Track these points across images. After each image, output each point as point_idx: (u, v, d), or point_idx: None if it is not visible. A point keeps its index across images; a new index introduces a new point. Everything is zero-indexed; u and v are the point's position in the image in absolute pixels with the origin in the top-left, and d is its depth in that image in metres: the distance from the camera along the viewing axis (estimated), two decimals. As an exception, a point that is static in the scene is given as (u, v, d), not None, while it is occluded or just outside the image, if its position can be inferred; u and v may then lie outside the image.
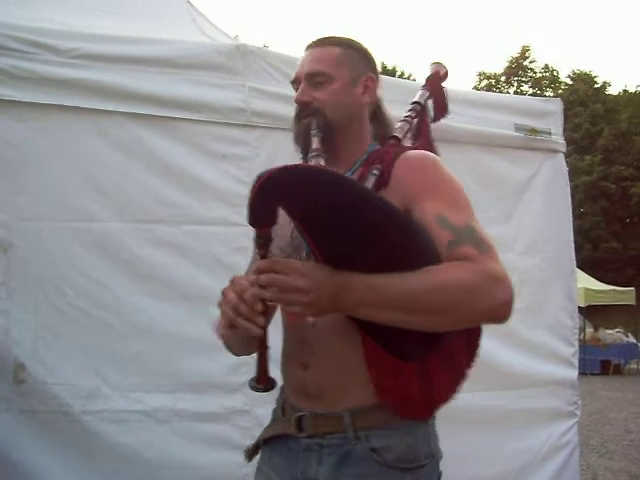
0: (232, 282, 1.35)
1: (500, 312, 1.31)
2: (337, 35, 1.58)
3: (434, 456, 1.49)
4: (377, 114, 1.62)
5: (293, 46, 65.52)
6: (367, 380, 1.41)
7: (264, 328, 1.32)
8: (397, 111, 2.89)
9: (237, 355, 1.66)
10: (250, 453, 1.60)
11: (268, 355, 1.37)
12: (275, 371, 1.46)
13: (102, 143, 2.51)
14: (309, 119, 1.47)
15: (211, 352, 2.21)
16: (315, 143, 1.46)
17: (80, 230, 2.47)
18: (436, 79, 1.68)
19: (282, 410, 1.56)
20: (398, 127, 1.62)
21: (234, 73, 2.61)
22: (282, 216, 1.33)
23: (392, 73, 31.03)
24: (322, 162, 1.43)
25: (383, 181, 1.44)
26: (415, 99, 1.66)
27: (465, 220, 1.37)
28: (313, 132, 1.47)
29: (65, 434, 2.40)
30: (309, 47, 1.57)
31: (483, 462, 3.00)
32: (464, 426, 2.96)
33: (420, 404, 1.44)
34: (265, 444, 1.58)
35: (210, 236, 2.59)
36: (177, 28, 3.05)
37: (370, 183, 1.43)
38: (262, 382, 1.37)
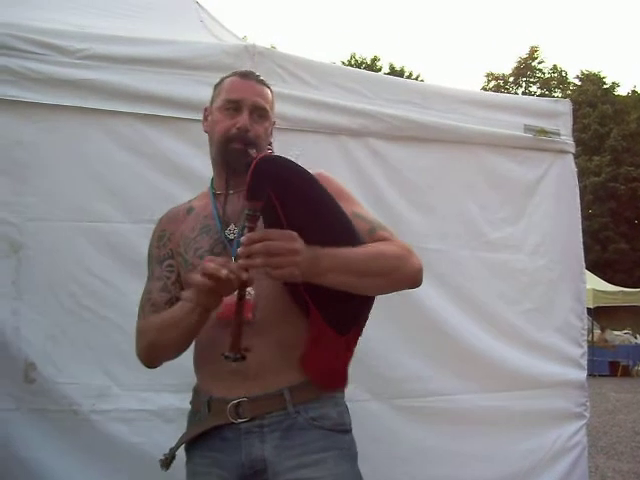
0: (209, 260, 1.48)
1: (419, 276, 1.65)
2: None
3: (351, 424, 1.72)
4: None
5: (301, 47, 65.58)
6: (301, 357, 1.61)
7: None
8: (403, 111, 2.93)
9: (153, 363, 1.77)
10: (168, 462, 1.70)
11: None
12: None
13: (112, 144, 2.52)
14: (245, 147, 1.66)
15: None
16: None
17: (90, 230, 2.49)
18: None
19: (208, 408, 1.65)
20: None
21: (243, 74, 2.61)
22: (193, 230, 1.71)
23: (400, 74, 31.06)
24: None
25: None
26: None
27: (371, 214, 1.74)
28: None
29: (75, 433, 2.41)
30: (248, 77, 1.77)
31: (491, 463, 3.00)
32: (472, 427, 2.96)
33: (343, 376, 1.69)
34: (191, 446, 1.69)
35: (219, 236, 2.60)
36: (186, 29, 3.05)
37: None
38: (238, 350, 1.46)
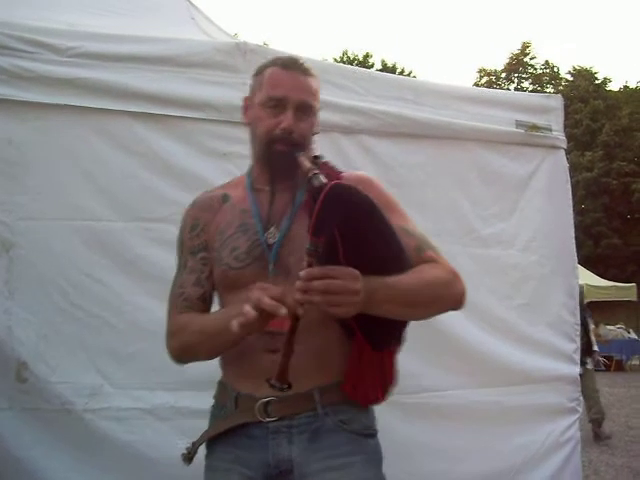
0: (262, 289, 1.41)
1: (463, 299, 1.64)
2: (308, 62, 1.67)
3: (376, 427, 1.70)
4: None
5: (292, 44, 65.52)
6: (337, 364, 1.59)
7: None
8: (395, 108, 2.93)
9: (183, 362, 1.73)
10: (191, 456, 1.66)
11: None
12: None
13: (103, 142, 2.52)
14: (290, 149, 1.57)
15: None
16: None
17: (82, 229, 2.48)
18: None
19: (235, 404, 1.62)
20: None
21: (234, 71, 2.61)
22: (230, 226, 1.63)
23: (392, 70, 31.06)
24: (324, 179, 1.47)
25: None
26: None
27: (417, 228, 1.65)
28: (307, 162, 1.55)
29: (67, 432, 2.41)
30: (292, 68, 1.63)
31: (484, 458, 3.01)
32: (465, 423, 2.97)
33: (378, 389, 1.65)
34: (213, 442, 1.64)
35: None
36: (177, 26, 3.05)
37: None
38: (285, 380, 1.43)
